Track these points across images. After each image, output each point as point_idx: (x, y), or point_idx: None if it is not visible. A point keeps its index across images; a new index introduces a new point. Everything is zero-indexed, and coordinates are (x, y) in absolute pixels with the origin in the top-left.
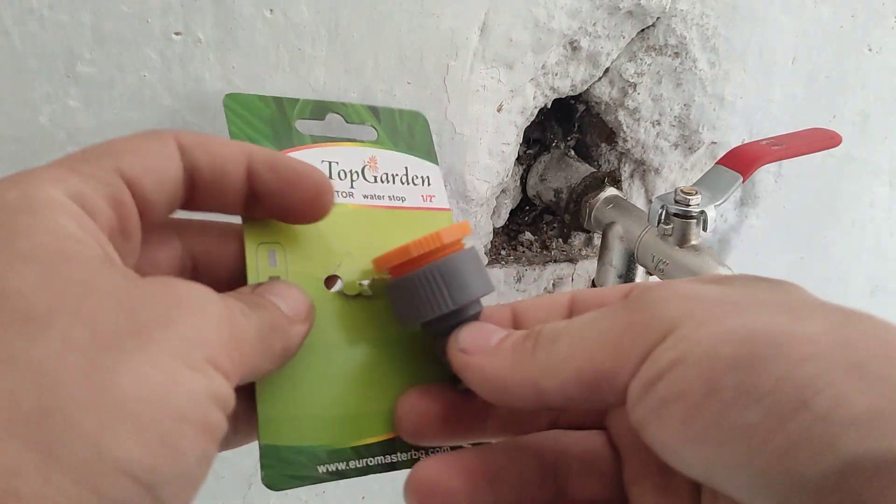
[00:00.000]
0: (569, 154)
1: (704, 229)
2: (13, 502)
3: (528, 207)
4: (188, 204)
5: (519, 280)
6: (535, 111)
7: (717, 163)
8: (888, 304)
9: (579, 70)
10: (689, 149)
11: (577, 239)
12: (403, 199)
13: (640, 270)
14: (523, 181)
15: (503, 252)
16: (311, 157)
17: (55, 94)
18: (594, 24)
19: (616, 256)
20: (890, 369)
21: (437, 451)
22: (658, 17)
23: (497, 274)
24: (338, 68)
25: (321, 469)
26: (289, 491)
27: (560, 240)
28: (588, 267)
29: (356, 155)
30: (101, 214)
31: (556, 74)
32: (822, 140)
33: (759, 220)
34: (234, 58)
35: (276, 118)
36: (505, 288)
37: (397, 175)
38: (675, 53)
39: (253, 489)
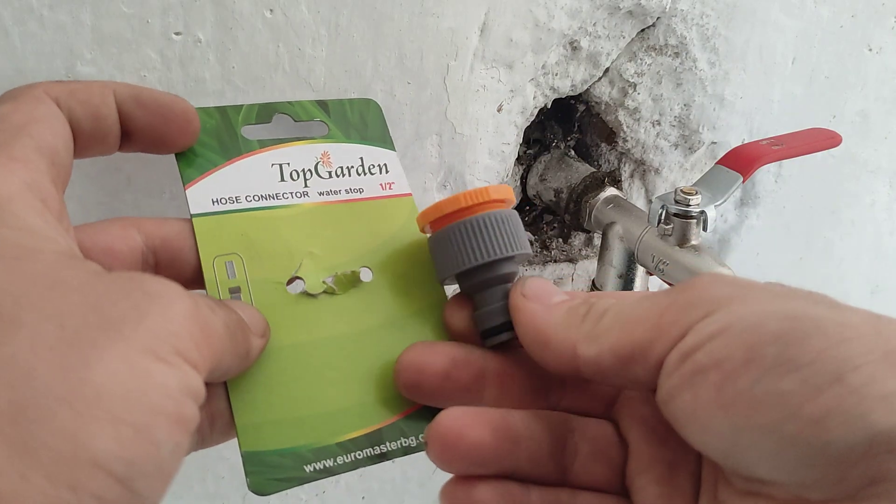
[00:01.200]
0: (569, 154)
1: (704, 229)
2: None
3: (528, 207)
4: (80, 152)
5: None
6: (535, 111)
7: (717, 163)
8: (888, 304)
9: (579, 70)
10: (689, 149)
11: (577, 239)
12: (361, 191)
13: (640, 270)
14: (523, 181)
15: None
16: (261, 162)
17: None
18: (594, 24)
19: (616, 256)
20: None
21: (426, 423)
22: (658, 17)
23: None
24: (338, 68)
25: (308, 468)
26: (288, 491)
27: (560, 240)
28: (588, 267)
29: (307, 153)
30: (53, 200)
31: (556, 74)
32: (822, 140)
33: (759, 220)
34: (234, 58)
35: (221, 128)
36: None
37: (353, 167)
38: (675, 53)
39: None
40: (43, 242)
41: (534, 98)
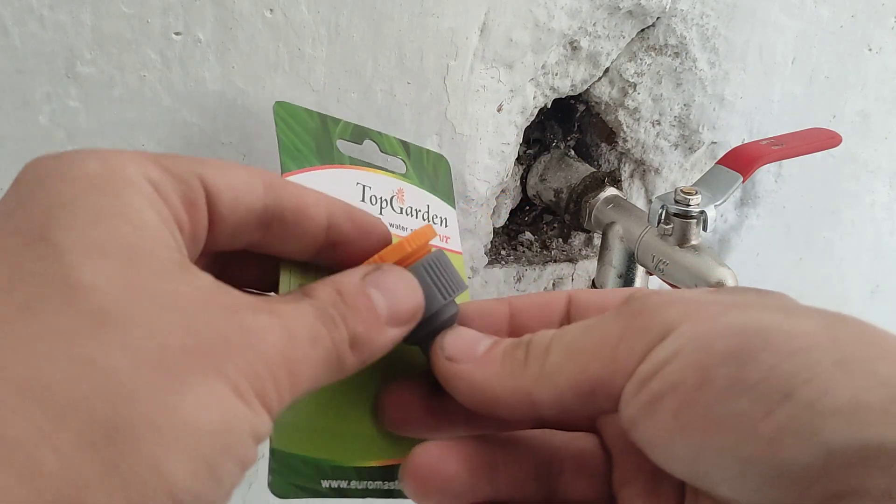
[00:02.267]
0: (569, 154)
1: (704, 229)
2: None
3: (528, 207)
4: (260, 244)
5: (519, 280)
6: (535, 111)
7: (717, 163)
8: (888, 304)
9: (579, 70)
10: (689, 149)
11: (577, 239)
12: None
13: (640, 270)
14: (523, 181)
15: (503, 252)
16: (348, 177)
17: (55, 94)
18: (594, 24)
19: (616, 256)
20: (873, 365)
21: None
22: (658, 17)
23: (497, 274)
24: (338, 68)
25: (325, 484)
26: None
27: (560, 240)
28: (588, 267)
29: (387, 184)
30: (172, 208)
31: (556, 74)
32: (822, 140)
33: (759, 220)
34: (234, 58)
35: (320, 133)
36: (505, 288)
37: (420, 211)
38: (675, 53)
39: (253, 489)
40: (156, 246)
41: (534, 98)
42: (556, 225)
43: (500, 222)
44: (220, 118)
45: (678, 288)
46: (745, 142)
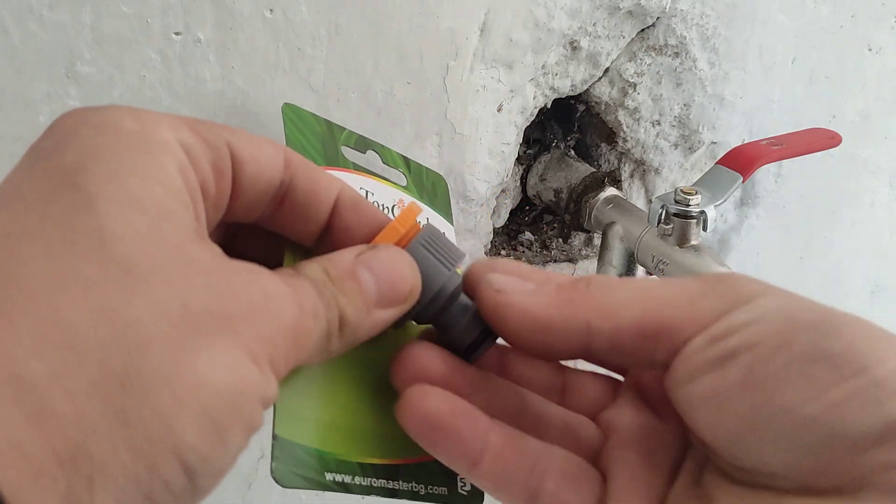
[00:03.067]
0: (569, 154)
1: (704, 229)
2: (85, 460)
3: (528, 207)
4: (269, 219)
5: None
6: (535, 111)
7: (717, 163)
8: (888, 304)
9: (579, 70)
10: (689, 149)
11: (577, 239)
12: None
13: (640, 270)
14: (523, 181)
15: (503, 252)
16: (353, 181)
17: (55, 94)
18: (594, 24)
19: (616, 256)
20: None
21: (437, 477)
22: (658, 17)
23: None
24: (338, 68)
25: (328, 476)
26: (289, 491)
27: (560, 240)
28: (588, 267)
29: (389, 193)
30: (202, 174)
31: (556, 74)
32: (822, 140)
33: (759, 220)
34: (234, 58)
35: (326, 137)
36: None
37: (420, 222)
38: (675, 53)
39: (253, 489)
40: (181, 208)
41: (534, 98)
42: (556, 225)
43: (500, 222)
44: (220, 118)
45: None
46: (745, 142)
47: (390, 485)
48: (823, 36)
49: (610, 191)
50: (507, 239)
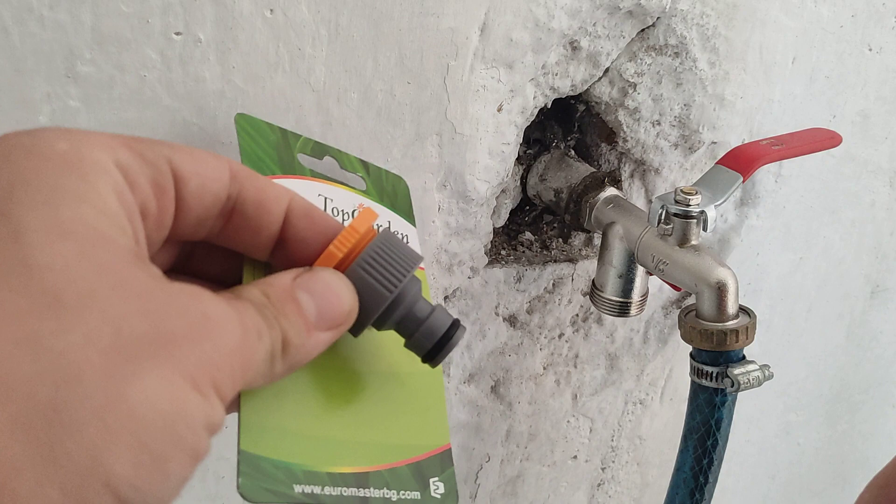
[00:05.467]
0: (569, 154)
1: (704, 229)
2: (9, 499)
3: (528, 207)
4: (218, 235)
5: (519, 280)
6: (535, 111)
7: (717, 163)
8: (888, 304)
9: (579, 70)
10: (689, 149)
11: (577, 239)
12: None
13: (640, 270)
14: (523, 181)
15: (503, 252)
16: (310, 188)
17: (55, 94)
18: (594, 24)
19: (616, 256)
20: None
21: (408, 482)
22: (658, 17)
23: (497, 274)
24: (338, 68)
25: (297, 489)
26: None
27: (560, 240)
28: (588, 267)
29: (348, 198)
30: (141, 194)
31: (556, 74)
32: (822, 140)
33: (759, 220)
34: (234, 58)
35: (281, 146)
36: (505, 288)
37: (381, 226)
38: (675, 53)
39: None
40: (116, 232)
41: (534, 98)
42: (556, 225)
43: (500, 222)
44: (220, 118)
45: (678, 287)
46: (745, 142)
47: (361, 493)
48: (823, 36)
49: (610, 191)
50: (507, 239)
